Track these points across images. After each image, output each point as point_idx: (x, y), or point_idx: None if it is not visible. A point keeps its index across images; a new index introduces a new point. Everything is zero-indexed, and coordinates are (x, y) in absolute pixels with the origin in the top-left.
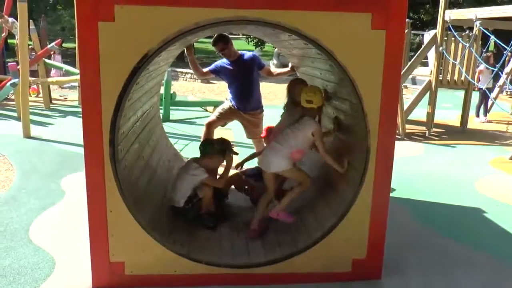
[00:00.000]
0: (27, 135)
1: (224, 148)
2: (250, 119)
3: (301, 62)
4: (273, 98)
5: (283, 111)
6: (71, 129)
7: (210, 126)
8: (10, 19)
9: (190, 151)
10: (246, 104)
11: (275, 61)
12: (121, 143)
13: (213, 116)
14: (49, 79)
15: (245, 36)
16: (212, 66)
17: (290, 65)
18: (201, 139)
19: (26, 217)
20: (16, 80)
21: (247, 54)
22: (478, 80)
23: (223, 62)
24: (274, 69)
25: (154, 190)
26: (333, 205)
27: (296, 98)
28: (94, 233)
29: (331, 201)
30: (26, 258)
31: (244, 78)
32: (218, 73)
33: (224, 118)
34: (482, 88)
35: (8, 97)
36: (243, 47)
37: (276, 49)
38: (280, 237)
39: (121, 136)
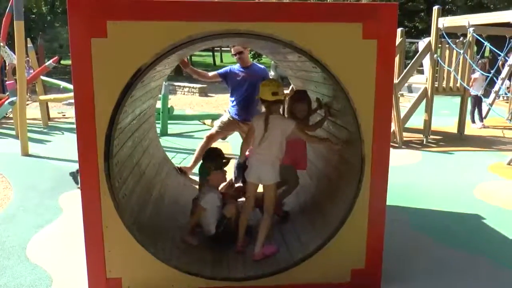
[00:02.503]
0: (25, 153)
1: (221, 161)
2: (247, 129)
3: (305, 86)
4: None
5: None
6: (69, 146)
7: (210, 140)
8: (9, 52)
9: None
10: (246, 113)
11: (272, 73)
12: (115, 156)
13: (213, 130)
14: (47, 96)
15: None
16: (222, 70)
17: (290, 88)
18: (197, 151)
19: (23, 235)
20: (14, 98)
21: (259, 66)
22: (471, 86)
23: (233, 67)
24: None
25: (153, 206)
26: (330, 215)
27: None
28: (91, 249)
29: (327, 211)
30: (22, 276)
31: (249, 86)
32: (226, 77)
33: (224, 130)
34: (477, 94)
35: (6, 116)
36: None
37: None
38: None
39: (116, 153)
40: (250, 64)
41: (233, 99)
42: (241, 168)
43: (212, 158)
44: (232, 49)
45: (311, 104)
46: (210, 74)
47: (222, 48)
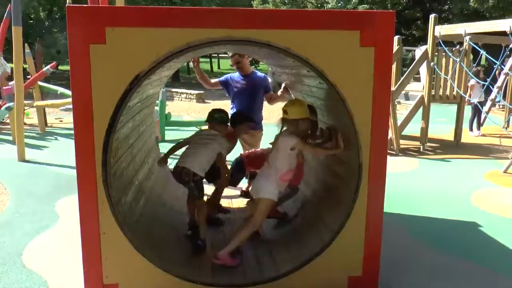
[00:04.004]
0: (22, 159)
1: (226, 116)
2: (247, 138)
3: (298, 89)
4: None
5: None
6: (67, 151)
7: None
8: (3, 61)
9: None
10: None
11: (270, 79)
12: (113, 166)
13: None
14: (44, 102)
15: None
16: (223, 78)
17: (283, 86)
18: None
19: (19, 241)
20: (11, 104)
21: (260, 74)
22: (470, 95)
23: (233, 75)
24: (276, 96)
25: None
26: (327, 222)
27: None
28: (87, 255)
29: (325, 218)
30: (18, 282)
31: (250, 94)
32: (227, 84)
33: None
34: (473, 103)
35: (3, 121)
36: None
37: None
38: (274, 255)
39: (113, 159)
40: (251, 72)
41: (233, 106)
42: (239, 164)
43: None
44: (230, 60)
45: (317, 122)
46: (212, 81)
47: (220, 55)
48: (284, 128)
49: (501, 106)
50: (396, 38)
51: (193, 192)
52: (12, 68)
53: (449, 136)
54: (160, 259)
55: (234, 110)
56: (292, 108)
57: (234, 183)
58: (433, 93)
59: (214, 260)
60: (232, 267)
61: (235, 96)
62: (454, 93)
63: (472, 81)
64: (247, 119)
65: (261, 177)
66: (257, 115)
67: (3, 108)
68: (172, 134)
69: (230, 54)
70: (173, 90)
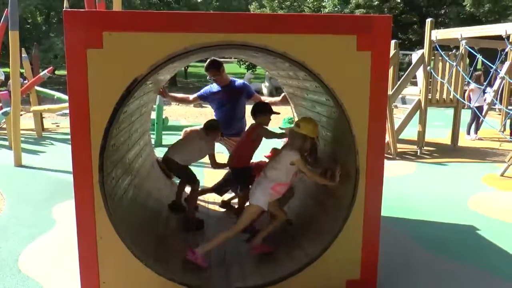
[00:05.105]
0: (19, 164)
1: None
2: (231, 145)
3: (296, 93)
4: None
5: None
6: (63, 156)
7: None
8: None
9: None
10: (229, 130)
11: (267, 84)
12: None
13: (197, 128)
14: (41, 107)
15: (236, 60)
16: (201, 92)
17: (282, 95)
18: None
19: (15, 247)
20: (7, 109)
21: (238, 82)
22: (469, 99)
23: (212, 87)
24: (264, 98)
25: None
26: (324, 226)
27: None
28: (84, 261)
29: (322, 222)
30: None
31: (230, 105)
32: (206, 98)
33: None
34: (473, 106)
35: (0, 126)
36: (235, 70)
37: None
38: (273, 258)
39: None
40: (229, 83)
41: (216, 116)
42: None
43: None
44: (208, 74)
45: (317, 148)
46: (191, 97)
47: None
48: (288, 142)
49: (497, 110)
50: (392, 42)
51: (181, 178)
52: (6, 74)
53: (446, 140)
54: (159, 264)
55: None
56: (305, 123)
57: (222, 193)
58: (429, 97)
59: (251, 252)
60: (267, 253)
61: (216, 108)
62: (451, 96)
63: (472, 85)
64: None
65: (257, 184)
66: (239, 123)
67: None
68: (170, 139)
69: (205, 68)
70: (171, 95)
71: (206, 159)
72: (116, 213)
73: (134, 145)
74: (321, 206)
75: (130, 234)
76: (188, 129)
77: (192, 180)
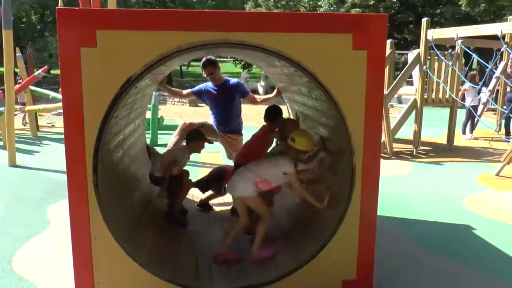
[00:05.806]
0: (13, 164)
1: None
2: (227, 141)
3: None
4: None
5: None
6: (58, 156)
7: (190, 126)
8: None
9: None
10: (225, 128)
11: (262, 83)
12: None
13: (196, 121)
14: (36, 107)
15: (232, 59)
16: (196, 88)
17: (276, 90)
18: (176, 134)
19: (9, 247)
20: (1, 108)
21: (232, 81)
22: (463, 98)
23: (207, 85)
24: (259, 96)
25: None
26: (320, 226)
27: (286, 135)
28: (79, 261)
29: (318, 222)
30: None
31: (225, 103)
32: (201, 95)
33: (206, 130)
34: (468, 106)
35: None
36: (230, 69)
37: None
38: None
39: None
40: (223, 82)
41: (211, 114)
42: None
43: (195, 132)
44: (203, 72)
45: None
46: (185, 92)
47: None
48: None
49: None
50: (388, 41)
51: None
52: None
53: (442, 139)
54: (153, 264)
55: (214, 119)
56: (300, 139)
57: (204, 189)
58: (425, 96)
59: (251, 262)
60: (268, 258)
61: (212, 107)
62: (447, 96)
63: (466, 85)
64: (203, 137)
65: (237, 176)
66: (235, 122)
67: None
68: (165, 138)
69: (201, 65)
70: (166, 94)
71: (201, 159)
72: (111, 214)
73: (129, 149)
74: (316, 206)
75: (124, 234)
76: (187, 121)
77: (178, 185)
